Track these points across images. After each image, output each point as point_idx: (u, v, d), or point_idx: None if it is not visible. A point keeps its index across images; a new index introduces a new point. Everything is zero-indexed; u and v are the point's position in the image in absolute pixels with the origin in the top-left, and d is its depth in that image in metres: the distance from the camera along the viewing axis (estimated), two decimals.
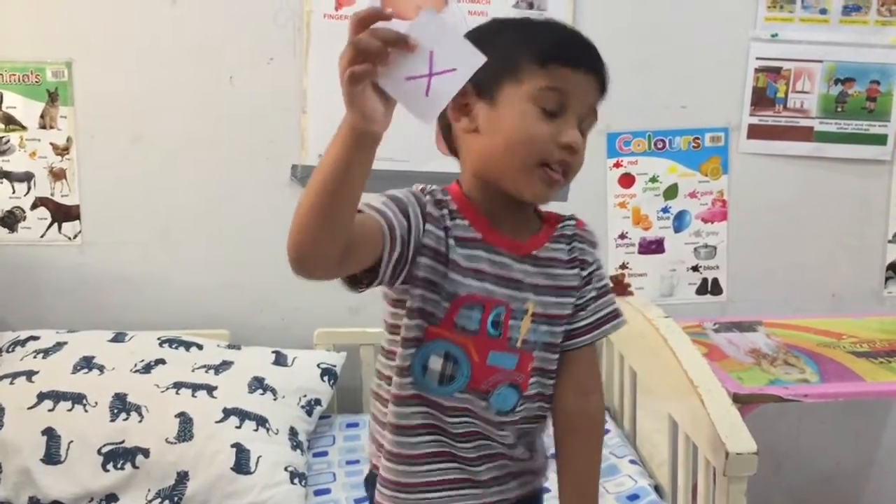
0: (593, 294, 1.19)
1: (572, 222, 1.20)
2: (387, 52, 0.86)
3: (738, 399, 1.67)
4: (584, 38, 1.10)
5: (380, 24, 0.87)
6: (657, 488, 1.80)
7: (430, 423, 1.12)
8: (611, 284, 1.23)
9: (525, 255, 1.13)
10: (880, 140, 2.26)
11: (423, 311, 1.08)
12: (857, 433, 2.42)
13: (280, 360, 2.05)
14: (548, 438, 1.23)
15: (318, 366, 2.06)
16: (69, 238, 2.22)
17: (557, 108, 1.06)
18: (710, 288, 2.33)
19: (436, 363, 1.10)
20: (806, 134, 2.25)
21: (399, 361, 1.11)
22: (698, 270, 2.32)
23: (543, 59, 1.05)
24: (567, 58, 1.06)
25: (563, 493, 1.20)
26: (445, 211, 1.10)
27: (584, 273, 1.18)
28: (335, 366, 2.09)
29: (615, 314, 1.21)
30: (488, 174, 1.10)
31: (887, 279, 2.36)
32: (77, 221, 2.22)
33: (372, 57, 0.86)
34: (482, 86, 1.06)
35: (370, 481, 1.22)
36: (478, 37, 0.99)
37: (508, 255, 1.12)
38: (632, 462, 1.88)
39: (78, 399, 1.79)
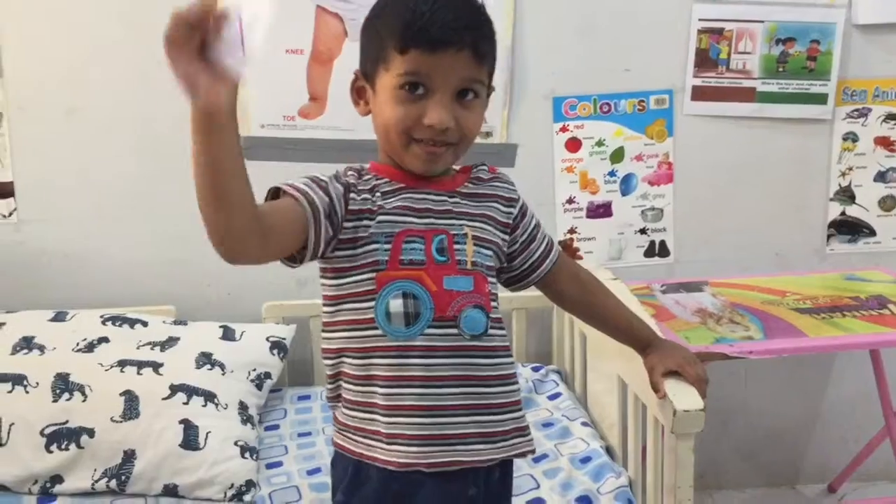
0: (534, 223, 1.30)
1: (484, 167, 1.28)
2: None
3: None
4: (449, 13, 1.09)
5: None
6: (608, 449, 1.82)
7: (395, 374, 1.13)
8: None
9: (450, 191, 1.20)
10: (821, 99, 2.29)
11: (366, 264, 1.14)
12: (801, 388, 2.47)
13: (228, 334, 2.02)
14: None
15: (267, 339, 2.03)
16: (4, 216, 2.15)
17: (421, 90, 1.11)
18: (657, 250, 2.35)
19: (396, 305, 1.12)
20: (748, 95, 2.27)
21: (358, 316, 1.14)
22: (646, 233, 2.34)
23: (401, 46, 1.10)
24: (422, 43, 1.09)
25: (620, 334, 1.40)
26: (368, 176, 1.17)
27: (515, 210, 1.26)
28: (285, 339, 2.06)
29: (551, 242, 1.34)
30: (385, 150, 1.19)
31: (829, 237, 2.40)
32: (11, 199, 2.14)
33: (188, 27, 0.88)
34: (367, 72, 1.15)
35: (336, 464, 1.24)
36: (368, 17, 1.15)
37: (435, 192, 1.19)
38: (584, 424, 1.90)
39: (18, 380, 1.74)
